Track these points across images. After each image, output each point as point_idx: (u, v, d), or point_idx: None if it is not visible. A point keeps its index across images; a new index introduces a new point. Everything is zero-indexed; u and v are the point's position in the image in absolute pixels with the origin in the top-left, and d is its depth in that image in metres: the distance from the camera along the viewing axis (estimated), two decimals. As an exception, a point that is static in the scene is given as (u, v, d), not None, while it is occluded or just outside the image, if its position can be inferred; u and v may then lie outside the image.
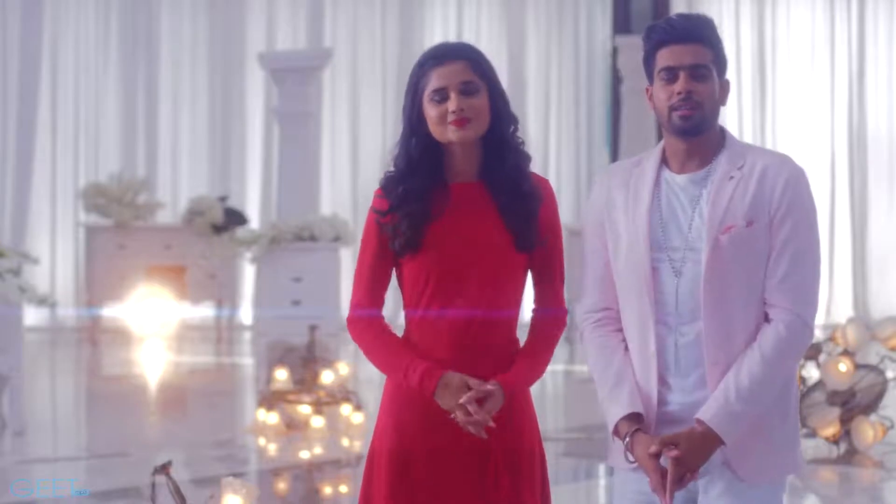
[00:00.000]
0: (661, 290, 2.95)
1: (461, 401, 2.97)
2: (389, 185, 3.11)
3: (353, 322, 3.14)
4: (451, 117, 3.03)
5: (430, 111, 3.05)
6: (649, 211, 2.98)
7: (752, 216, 2.92)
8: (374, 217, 3.12)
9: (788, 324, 2.90)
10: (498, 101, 3.08)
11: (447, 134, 3.05)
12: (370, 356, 3.13)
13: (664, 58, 2.96)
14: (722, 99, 3.00)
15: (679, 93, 2.94)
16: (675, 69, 2.95)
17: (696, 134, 2.97)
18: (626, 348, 3.02)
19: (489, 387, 2.99)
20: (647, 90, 3.03)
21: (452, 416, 2.99)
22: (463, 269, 3.05)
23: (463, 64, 3.05)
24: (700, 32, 2.97)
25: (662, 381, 2.96)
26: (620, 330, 3.04)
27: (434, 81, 3.05)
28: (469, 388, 2.98)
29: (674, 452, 2.85)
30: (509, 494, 3.06)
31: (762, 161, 2.97)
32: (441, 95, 3.04)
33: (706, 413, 2.88)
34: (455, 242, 3.05)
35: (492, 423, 2.98)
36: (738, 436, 2.88)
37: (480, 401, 2.98)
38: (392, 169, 3.13)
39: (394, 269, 3.15)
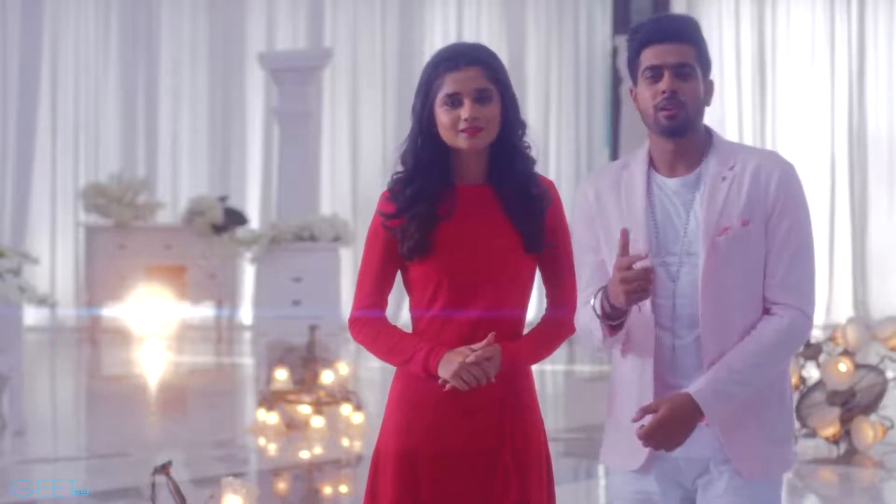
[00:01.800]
0: (659, 295, 2.94)
1: (468, 359, 2.96)
2: (397, 188, 3.10)
3: (354, 322, 3.14)
4: (462, 125, 3.03)
5: (442, 116, 3.05)
6: (645, 216, 2.97)
7: (748, 216, 2.92)
8: (380, 220, 3.12)
9: (791, 317, 2.91)
10: (509, 108, 3.08)
11: (457, 141, 3.05)
12: (373, 347, 3.13)
13: (648, 57, 2.95)
14: (706, 99, 2.99)
15: (663, 91, 2.93)
16: (659, 68, 2.94)
17: (681, 134, 2.96)
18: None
19: (491, 348, 2.98)
20: (632, 91, 3.02)
21: (448, 385, 2.98)
22: (472, 271, 3.05)
23: (478, 70, 3.05)
24: (684, 32, 2.96)
25: (662, 383, 2.96)
26: None
27: (448, 86, 3.04)
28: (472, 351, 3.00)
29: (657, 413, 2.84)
30: (517, 497, 3.06)
31: (753, 160, 2.97)
32: (454, 101, 3.03)
33: (694, 387, 2.87)
34: (464, 245, 3.05)
35: (492, 378, 2.99)
36: (721, 414, 2.87)
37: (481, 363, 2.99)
38: (399, 169, 3.12)
39: (399, 270, 3.14)
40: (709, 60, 2.99)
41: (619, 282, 2.84)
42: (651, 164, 3.02)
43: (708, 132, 3.02)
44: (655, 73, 2.94)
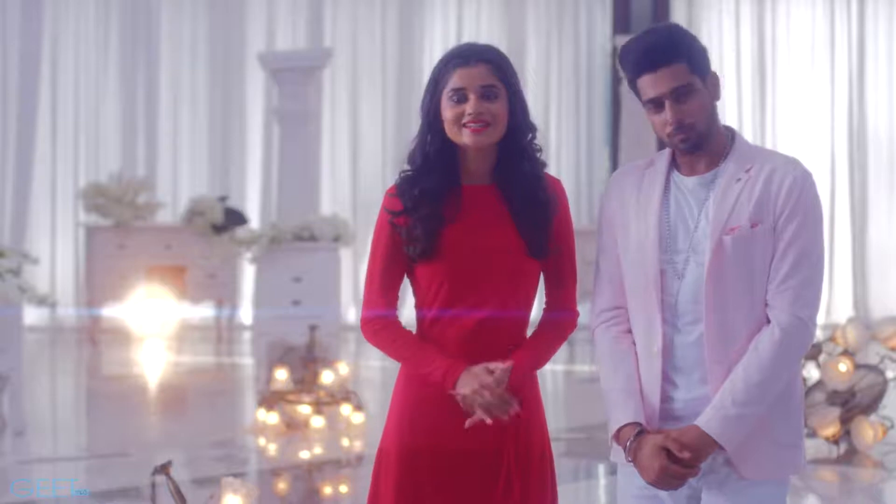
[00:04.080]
0: (666, 291, 2.96)
1: (488, 381, 2.95)
2: (404, 186, 3.09)
3: (366, 322, 3.13)
4: (467, 119, 3.02)
5: (447, 111, 3.04)
6: (659, 213, 2.98)
7: (757, 218, 2.92)
8: (386, 217, 3.10)
9: (785, 326, 2.90)
10: (517, 109, 3.06)
11: (461, 137, 3.03)
12: (389, 352, 3.11)
13: (644, 89, 2.94)
14: (714, 95, 2.98)
15: (670, 123, 2.93)
16: (658, 99, 2.93)
17: (700, 149, 2.97)
18: (636, 352, 3.02)
19: (506, 366, 2.98)
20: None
21: (468, 422, 2.97)
22: (476, 273, 3.04)
23: (486, 67, 3.04)
24: (670, 51, 2.93)
25: (667, 379, 2.97)
26: (631, 331, 3.04)
27: (455, 81, 3.03)
28: (490, 372, 2.97)
29: (686, 454, 2.86)
30: (519, 497, 3.05)
31: (770, 164, 2.96)
32: (460, 96, 3.02)
33: (702, 419, 2.89)
34: (469, 248, 3.04)
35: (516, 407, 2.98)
36: (738, 438, 2.88)
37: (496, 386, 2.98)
38: (407, 167, 3.11)
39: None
40: (704, 60, 2.96)
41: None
42: (673, 162, 3.03)
43: (731, 133, 3.02)
44: (657, 104, 2.94)
